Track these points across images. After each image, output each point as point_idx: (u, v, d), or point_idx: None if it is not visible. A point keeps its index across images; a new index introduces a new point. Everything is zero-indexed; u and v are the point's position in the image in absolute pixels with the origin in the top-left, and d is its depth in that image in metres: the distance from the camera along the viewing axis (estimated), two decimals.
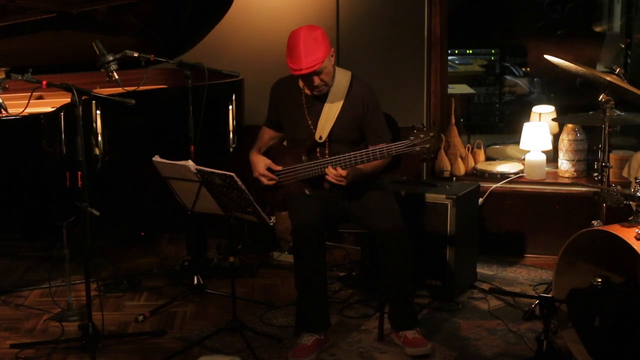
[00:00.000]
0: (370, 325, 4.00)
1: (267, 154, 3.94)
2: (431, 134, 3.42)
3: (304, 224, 3.67)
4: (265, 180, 3.87)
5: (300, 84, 3.83)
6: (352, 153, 3.62)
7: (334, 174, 3.63)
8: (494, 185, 5.04)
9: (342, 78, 3.81)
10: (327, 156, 3.74)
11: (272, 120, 4.01)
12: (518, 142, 5.23)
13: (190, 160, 3.57)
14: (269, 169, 3.87)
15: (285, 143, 4.02)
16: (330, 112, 3.78)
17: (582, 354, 3.46)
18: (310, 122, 3.81)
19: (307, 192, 3.80)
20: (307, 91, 3.81)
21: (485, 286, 4.46)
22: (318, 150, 3.80)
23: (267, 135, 4.02)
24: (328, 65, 3.68)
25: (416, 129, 3.45)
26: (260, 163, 3.89)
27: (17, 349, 3.78)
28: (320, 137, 3.78)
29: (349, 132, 3.79)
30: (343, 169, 3.63)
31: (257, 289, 4.56)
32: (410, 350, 3.69)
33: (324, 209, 3.75)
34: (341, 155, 3.64)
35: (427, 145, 3.43)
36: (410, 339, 3.70)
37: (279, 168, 3.86)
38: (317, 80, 3.67)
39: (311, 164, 3.75)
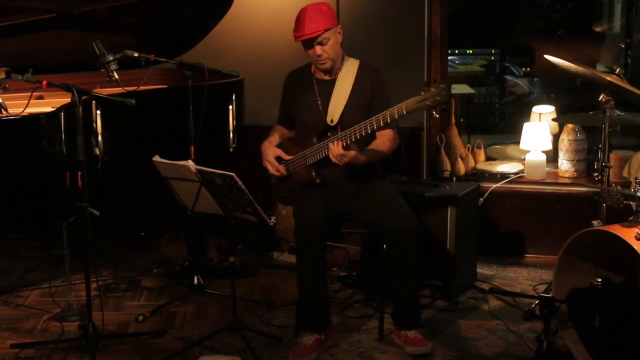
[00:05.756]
0: (371, 325, 4.00)
1: (278, 147, 3.95)
2: (442, 85, 3.43)
3: (307, 224, 3.66)
4: (272, 169, 3.88)
5: (312, 68, 3.87)
6: (362, 123, 3.61)
7: (335, 152, 3.62)
8: (494, 185, 5.03)
9: (352, 64, 3.87)
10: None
11: (285, 115, 4.03)
12: (518, 142, 5.22)
13: (190, 160, 3.57)
14: (279, 158, 3.88)
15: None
16: (340, 96, 3.81)
17: (582, 354, 3.46)
18: (321, 106, 3.83)
19: (315, 176, 3.79)
20: (318, 75, 3.86)
21: (485, 286, 4.46)
22: (329, 134, 3.80)
23: (279, 132, 4.04)
24: (332, 39, 3.75)
25: (425, 85, 3.46)
26: (270, 151, 3.91)
27: (17, 349, 3.78)
28: (332, 121, 3.79)
29: (359, 115, 3.79)
30: (356, 140, 3.63)
31: (257, 289, 4.56)
32: (410, 349, 3.69)
33: (328, 208, 3.75)
34: (351, 128, 3.64)
35: (438, 98, 3.41)
36: (411, 338, 3.71)
37: (290, 157, 3.87)
38: (319, 50, 3.74)
39: (321, 144, 3.75)
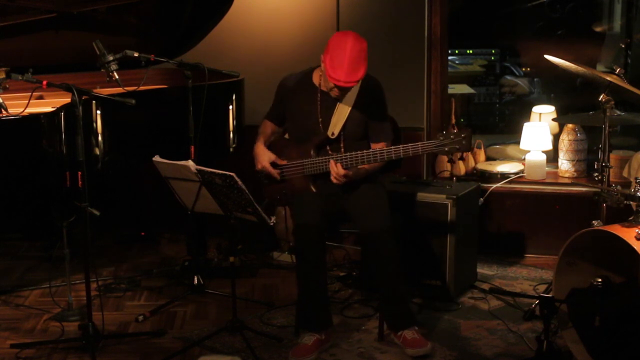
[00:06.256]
0: (370, 325, 4.00)
1: (270, 148, 3.94)
2: (463, 134, 3.42)
3: (305, 224, 3.67)
4: (268, 173, 3.87)
5: (316, 80, 3.82)
6: (370, 150, 3.61)
7: (336, 173, 3.63)
8: (494, 185, 5.03)
9: None
10: (342, 151, 3.74)
11: (275, 114, 4.00)
12: (518, 142, 5.23)
13: (190, 160, 3.57)
14: (273, 163, 3.87)
15: (287, 136, 4.01)
16: (343, 109, 3.78)
17: (582, 354, 3.46)
18: (323, 118, 3.80)
19: (312, 188, 3.79)
20: (323, 87, 3.79)
21: (485, 286, 4.46)
22: (328, 146, 3.79)
23: (269, 128, 4.01)
24: None
25: (445, 130, 3.44)
26: (265, 156, 3.88)
27: (17, 349, 3.78)
28: (333, 134, 3.78)
29: (360, 129, 3.79)
30: (358, 165, 3.63)
31: (257, 289, 4.56)
32: (410, 350, 3.68)
33: (326, 208, 3.75)
34: (359, 152, 3.63)
35: (457, 147, 3.42)
36: (410, 339, 3.70)
37: (284, 162, 3.86)
38: (343, 91, 3.67)
39: (322, 159, 3.74)
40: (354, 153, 3.64)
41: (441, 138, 3.44)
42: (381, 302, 3.82)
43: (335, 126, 3.78)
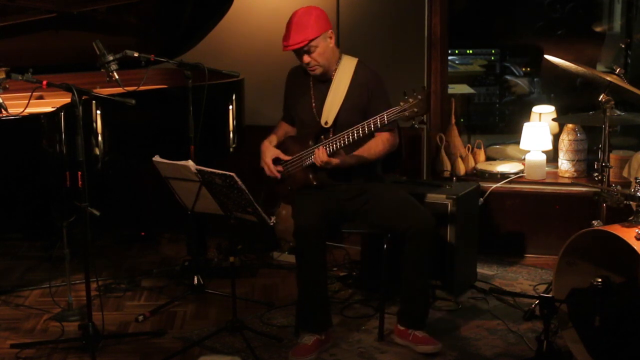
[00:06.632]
0: (370, 325, 4.00)
1: (278, 146, 3.95)
2: (419, 97, 3.42)
3: (305, 225, 3.66)
4: (267, 172, 3.88)
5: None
6: (347, 131, 3.62)
7: (319, 158, 3.64)
8: (494, 185, 5.03)
9: (348, 64, 3.83)
10: None
11: (286, 111, 4.04)
12: (518, 142, 5.23)
13: (190, 160, 3.57)
14: (277, 159, 3.87)
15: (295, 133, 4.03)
16: (335, 98, 3.79)
17: (582, 354, 3.46)
18: (316, 107, 3.83)
19: (312, 178, 3.79)
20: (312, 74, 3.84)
21: (485, 286, 4.46)
22: (323, 136, 3.79)
23: (282, 130, 4.04)
24: (321, 46, 3.71)
25: (406, 94, 3.46)
26: (268, 152, 3.90)
27: (17, 349, 3.78)
28: (326, 123, 3.79)
29: (354, 118, 3.78)
30: (341, 147, 3.65)
31: (257, 289, 4.56)
32: (422, 347, 3.68)
33: (327, 209, 3.75)
34: (338, 134, 3.65)
35: (416, 110, 3.42)
36: (421, 337, 3.71)
37: (288, 158, 3.87)
38: (307, 59, 3.72)
39: (311, 148, 3.75)
40: (332, 137, 3.67)
41: (402, 103, 3.45)
42: (406, 298, 3.78)
43: (328, 115, 3.79)
